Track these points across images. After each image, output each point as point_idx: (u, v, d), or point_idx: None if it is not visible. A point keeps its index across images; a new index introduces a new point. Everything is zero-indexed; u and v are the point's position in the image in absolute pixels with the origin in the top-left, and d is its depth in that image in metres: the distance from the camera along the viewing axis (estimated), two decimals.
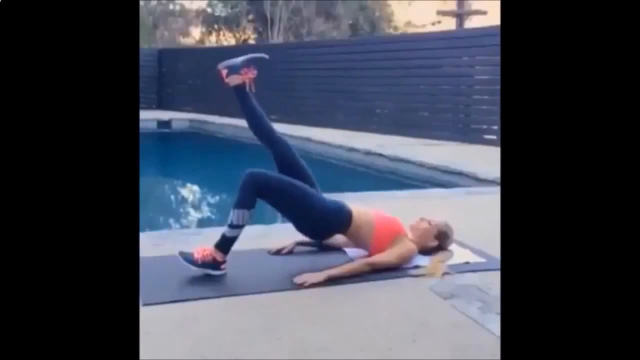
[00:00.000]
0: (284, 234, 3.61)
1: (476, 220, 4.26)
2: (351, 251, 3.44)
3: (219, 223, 3.89)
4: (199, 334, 2.39)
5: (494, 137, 9.52)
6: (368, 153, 8.92)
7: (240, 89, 3.36)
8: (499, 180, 5.99)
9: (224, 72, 3.34)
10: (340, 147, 9.70)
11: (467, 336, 2.41)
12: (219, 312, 2.63)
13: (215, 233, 3.17)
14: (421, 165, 7.68)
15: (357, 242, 3.32)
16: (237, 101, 3.37)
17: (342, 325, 2.49)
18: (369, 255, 3.23)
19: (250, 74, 3.36)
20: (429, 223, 3.39)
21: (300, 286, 2.92)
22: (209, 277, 3.04)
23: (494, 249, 3.27)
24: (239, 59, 3.36)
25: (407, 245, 3.25)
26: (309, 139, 10.27)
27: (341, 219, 3.21)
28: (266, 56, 3.44)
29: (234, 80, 3.34)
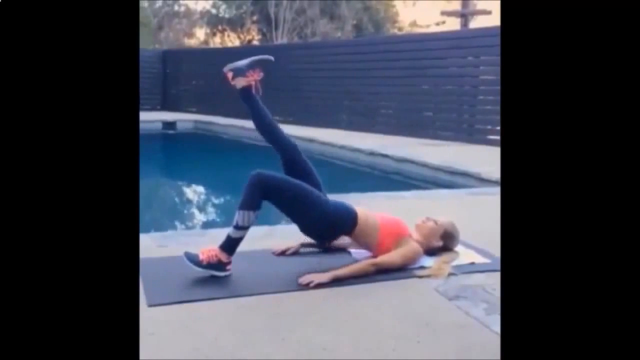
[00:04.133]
0: (288, 234, 3.61)
1: (480, 220, 4.25)
2: (356, 252, 3.44)
3: (224, 224, 3.89)
4: (203, 334, 2.39)
5: (498, 137, 9.51)
6: (372, 153, 8.92)
7: (246, 91, 3.37)
8: None
9: (230, 74, 3.36)
10: (343, 147, 9.70)
11: (472, 337, 2.41)
12: (223, 312, 2.63)
13: (220, 234, 3.17)
14: (425, 165, 7.68)
15: (362, 244, 3.32)
16: (244, 103, 3.38)
17: (346, 325, 2.49)
18: (374, 257, 3.23)
19: (256, 76, 3.37)
20: (435, 223, 3.38)
21: (305, 286, 2.92)
22: (213, 278, 3.04)
23: (498, 250, 3.27)
24: (245, 62, 3.37)
25: (411, 246, 3.24)
26: (312, 140, 10.27)
27: (346, 221, 3.21)
28: (272, 58, 3.45)
29: (240, 82, 3.35)
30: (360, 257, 3.32)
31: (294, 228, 3.27)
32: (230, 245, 3.07)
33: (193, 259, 3.06)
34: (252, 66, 3.37)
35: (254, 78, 3.36)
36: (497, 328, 2.44)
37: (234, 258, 3.10)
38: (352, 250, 3.48)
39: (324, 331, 2.43)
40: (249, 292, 2.87)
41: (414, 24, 29.34)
